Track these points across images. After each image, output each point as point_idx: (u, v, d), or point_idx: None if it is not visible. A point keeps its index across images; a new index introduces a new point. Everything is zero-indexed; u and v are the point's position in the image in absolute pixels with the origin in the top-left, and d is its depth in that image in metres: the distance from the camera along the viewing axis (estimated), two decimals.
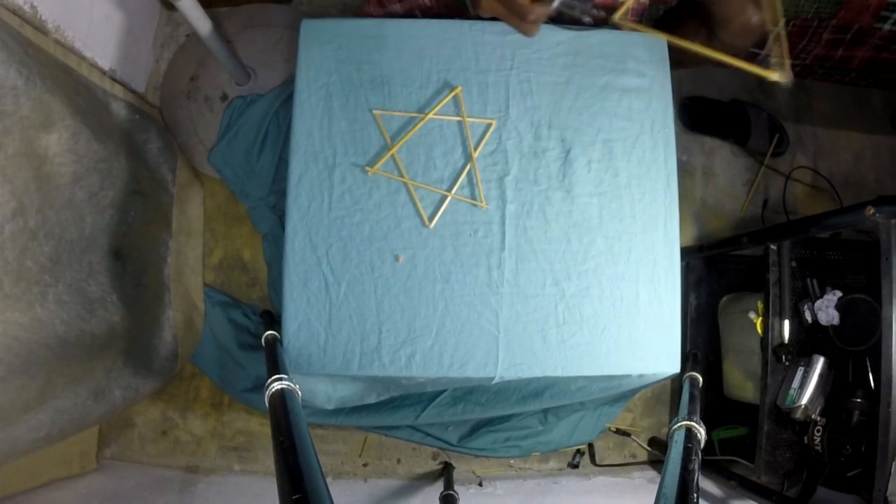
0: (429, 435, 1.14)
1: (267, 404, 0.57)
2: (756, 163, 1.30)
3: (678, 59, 0.86)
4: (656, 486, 0.49)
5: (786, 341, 0.94)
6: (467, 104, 0.82)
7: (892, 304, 0.72)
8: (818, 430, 0.88)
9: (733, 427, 1.14)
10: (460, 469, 1.18)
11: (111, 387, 0.94)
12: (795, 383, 0.89)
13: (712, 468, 1.04)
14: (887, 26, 0.98)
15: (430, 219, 0.78)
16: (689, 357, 0.94)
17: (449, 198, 0.79)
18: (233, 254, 1.20)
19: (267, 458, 1.16)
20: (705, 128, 1.29)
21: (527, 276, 0.78)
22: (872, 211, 0.72)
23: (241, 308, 1.17)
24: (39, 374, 0.75)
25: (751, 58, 1.16)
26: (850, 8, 0.94)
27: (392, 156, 0.79)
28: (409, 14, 0.93)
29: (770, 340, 0.94)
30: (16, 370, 0.71)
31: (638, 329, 0.79)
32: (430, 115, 0.80)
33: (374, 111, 0.80)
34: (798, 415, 0.88)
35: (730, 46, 0.87)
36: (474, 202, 0.79)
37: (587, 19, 0.70)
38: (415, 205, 0.79)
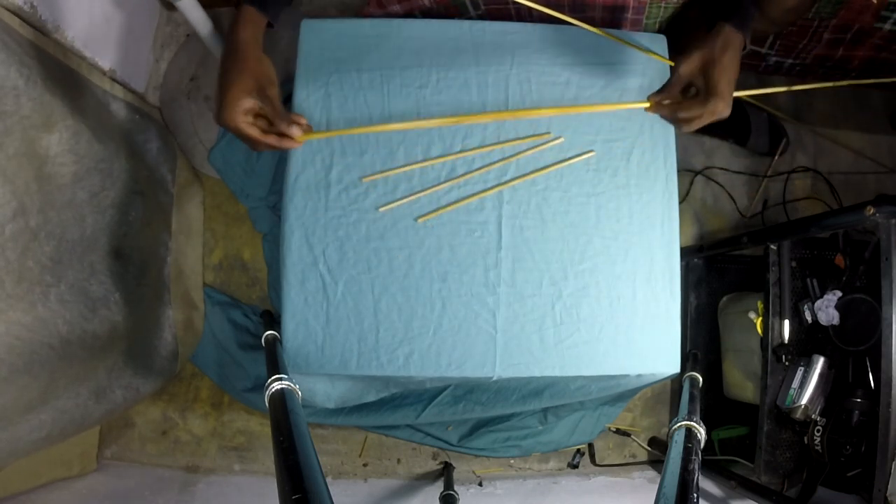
0: (429, 435, 1.14)
1: (267, 404, 0.57)
2: (756, 163, 1.30)
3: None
4: (656, 486, 0.49)
5: (786, 341, 0.94)
6: (466, 104, 0.82)
7: (892, 304, 0.72)
8: (818, 430, 0.88)
9: (733, 427, 1.14)
10: (460, 469, 1.18)
11: (112, 387, 0.94)
12: (795, 383, 0.89)
13: (712, 468, 1.04)
14: (887, 26, 0.98)
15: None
16: (689, 357, 0.94)
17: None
18: (233, 254, 1.20)
19: (267, 458, 1.16)
20: (705, 128, 1.28)
21: (524, 276, 0.78)
22: (872, 211, 0.72)
23: (241, 308, 1.17)
24: (42, 375, 0.75)
25: (755, 58, 1.17)
26: (851, 7, 0.94)
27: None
28: (408, 15, 0.93)
29: (770, 340, 0.94)
30: (18, 370, 0.71)
31: (636, 329, 0.79)
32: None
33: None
34: (798, 415, 0.88)
35: (774, 23, 0.87)
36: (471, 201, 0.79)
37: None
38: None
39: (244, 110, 0.61)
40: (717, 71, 0.65)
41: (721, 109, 0.66)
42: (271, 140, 0.64)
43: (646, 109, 0.72)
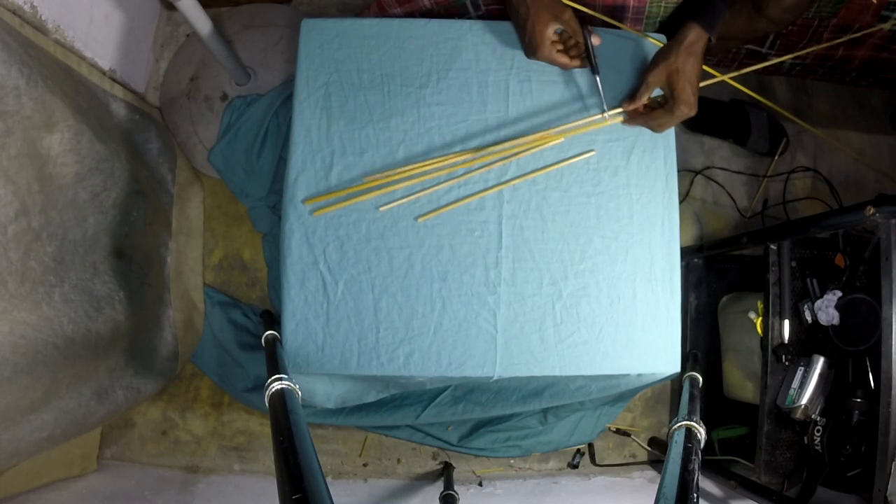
0: (429, 435, 1.14)
1: (267, 404, 0.57)
2: (756, 163, 1.30)
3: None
4: (656, 486, 0.49)
5: (786, 341, 0.94)
6: (467, 104, 0.82)
7: (892, 304, 0.72)
8: (818, 430, 0.88)
9: (733, 427, 1.14)
10: (460, 469, 1.18)
11: (114, 387, 0.94)
12: (795, 383, 0.89)
13: (712, 468, 1.04)
14: (888, 26, 0.98)
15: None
16: (689, 357, 0.94)
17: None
18: (233, 254, 1.20)
19: (267, 458, 1.16)
20: (705, 128, 1.29)
21: (524, 276, 0.78)
22: (872, 211, 0.72)
23: (241, 308, 1.17)
24: (45, 374, 0.75)
25: (755, 57, 1.17)
26: (851, 7, 0.95)
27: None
28: (409, 17, 0.93)
29: (770, 340, 0.94)
30: (22, 370, 0.71)
31: (636, 329, 0.79)
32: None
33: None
34: (798, 415, 0.88)
35: (773, 23, 0.90)
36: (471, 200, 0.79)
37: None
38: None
39: (551, 43, 0.76)
40: (681, 80, 0.72)
41: (686, 113, 0.74)
42: (578, 62, 0.79)
43: (622, 122, 0.80)
